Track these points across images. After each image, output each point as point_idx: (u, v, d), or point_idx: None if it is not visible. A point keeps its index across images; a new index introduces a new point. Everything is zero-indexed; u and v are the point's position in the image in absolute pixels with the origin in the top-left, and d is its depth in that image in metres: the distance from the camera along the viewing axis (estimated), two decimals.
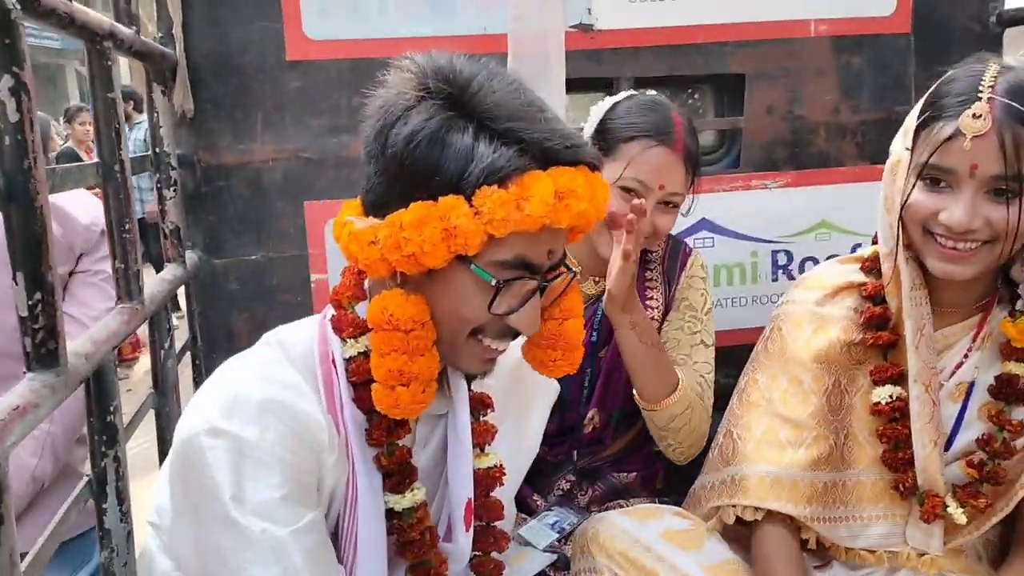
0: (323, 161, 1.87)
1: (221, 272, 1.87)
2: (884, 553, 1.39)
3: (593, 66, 1.95)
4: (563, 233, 0.99)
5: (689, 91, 2.24)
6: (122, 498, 1.22)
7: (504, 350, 1.04)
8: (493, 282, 0.94)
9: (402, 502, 1.05)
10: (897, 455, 1.35)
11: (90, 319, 1.54)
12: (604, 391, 1.69)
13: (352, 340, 1.03)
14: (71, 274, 1.61)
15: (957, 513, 1.31)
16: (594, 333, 1.66)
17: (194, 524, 0.97)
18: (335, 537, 1.05)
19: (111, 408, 1.18)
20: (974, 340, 1.35)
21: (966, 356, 1.36)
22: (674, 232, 2.03)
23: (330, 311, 1.07)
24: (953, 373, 1.37)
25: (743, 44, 2.01)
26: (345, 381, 1.03)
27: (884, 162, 2.08)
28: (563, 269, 1.03)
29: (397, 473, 1.05)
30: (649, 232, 1.55)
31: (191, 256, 1.81)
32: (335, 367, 1.03)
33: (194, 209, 1.84)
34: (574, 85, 1.92)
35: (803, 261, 2.11)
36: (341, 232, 0.99)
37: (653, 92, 1.64)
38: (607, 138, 1.57)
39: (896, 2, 2.04)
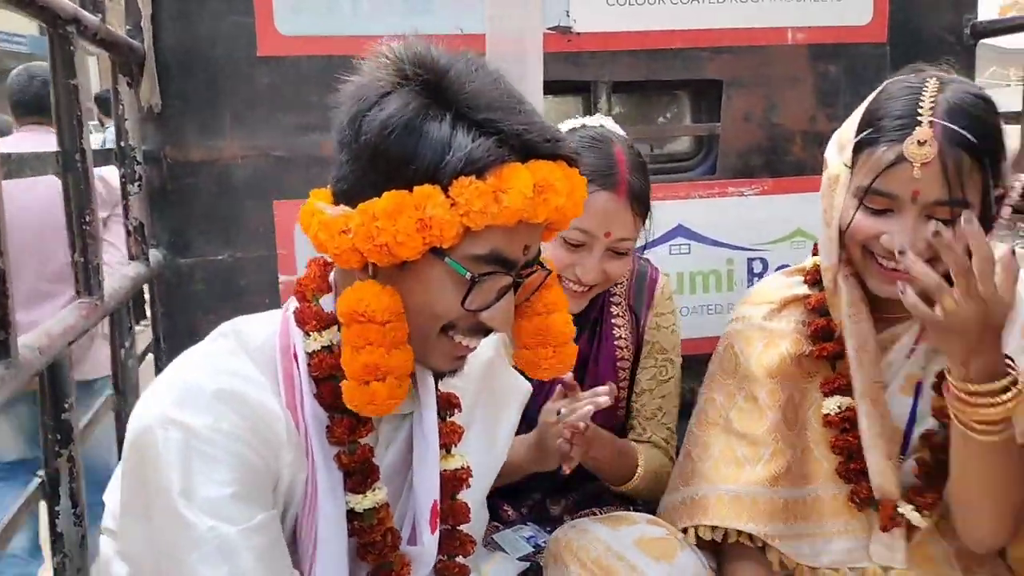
0: (293, 159, 1.83)
1: (187, 272, 1.82)
2: (848, 571, 1.36)
3: (571, 69, 1.94)
4: (539, 229, 0.98)
5: (666, 96, 2.23)
6: (76, 501, 1.17)
7: (475, 347, 1.01)
8: (468, 276, 0.92)
9: (363, 502, 1.01)
10: (850, 466, 1.34)
11: (121, 241, 2.02)
12: None
13: (316, 333, 1.00)
14: (109, 216, 2.66)
15: (912, 514, 1.30)
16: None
17: (145, 521, 0.92)
18: (294, 537, 1.01)
19: (65, 405, 1.13)
20: (917, 341, 1.35)
21: (912, 351, 1.36)
22: (651, 237, 2.02)
23: (293, 304, 1.04)
24: (902, 366, 1.37)
25: (721, 50, 2.00)
26: (307, 376, 0.99)
27: None
28: (537, 267, 1.01)
29: (358, 472, 1.01)
30: (601, 280, 1.50)
31: (155, 254, 1.76)
32: (296, 361, 1.00)
33: (159, 206, 1.79)
34: (551, 88, 1.90)
35: (779, 269, 2.10)
36: (310, 221, 0.95)
37: (600, 122, 1.57)
38: None
39: (873, 12, 2.04)
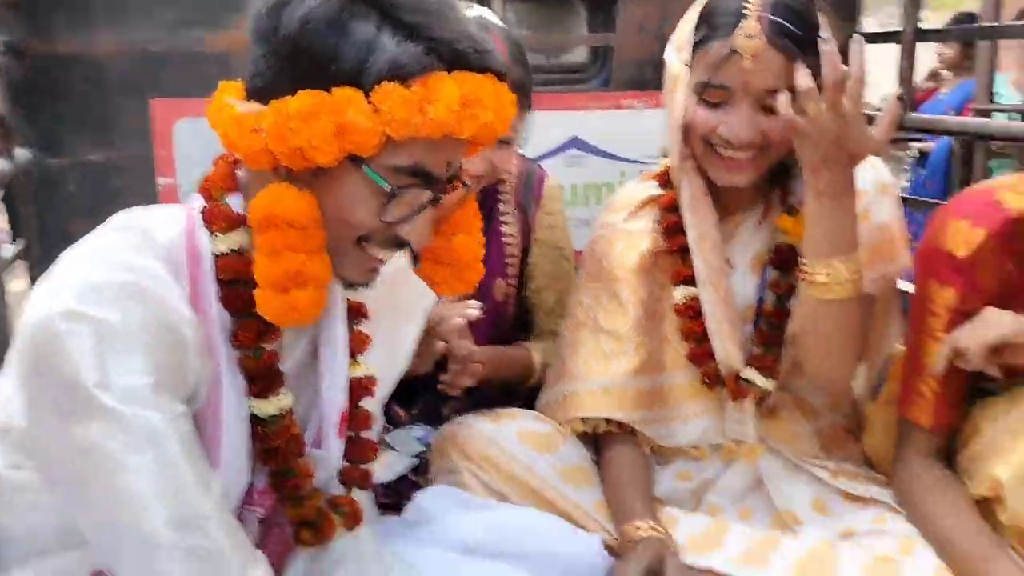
0: (172, 55, 1.74)
1: (57, 172, 1.73)
2: (707, 448, 1.45)
3: None
4: (463, 144, 0.95)
5: (563, 5, 2.20)
6: None
7: (389, 260, 0.99)
8: (387, 188, 0.89)
9: (267, 407, 0.99)
10: (698, 351, 1.43)
11: None
12: None
13: (223, 235, 0.96)
14: None
15: (756, 377, 1.39)
16: None
17: (55, 419, 0.86)
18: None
19: None
20: (760, 222, 1.45)
21: (756, 233, 1.46)
22: (545, 150, 2.02)
23: (198, 201, 0.99)
24: (748, 248, 1.46)
25: None
26: (212, 278, 0.96)
27: None
28: (458, 183, 0.99)
29: (263, 378, 0.99)
30: (487, 171, 1.50)
31: (22, 154, 1.66)
32: (202, 262, 0.96)
33: (25, 103, 1.68)
34: None
35: None
36: (219, 116, 0.91)
37: (479, 13, 1.52)
38: None
39: None
